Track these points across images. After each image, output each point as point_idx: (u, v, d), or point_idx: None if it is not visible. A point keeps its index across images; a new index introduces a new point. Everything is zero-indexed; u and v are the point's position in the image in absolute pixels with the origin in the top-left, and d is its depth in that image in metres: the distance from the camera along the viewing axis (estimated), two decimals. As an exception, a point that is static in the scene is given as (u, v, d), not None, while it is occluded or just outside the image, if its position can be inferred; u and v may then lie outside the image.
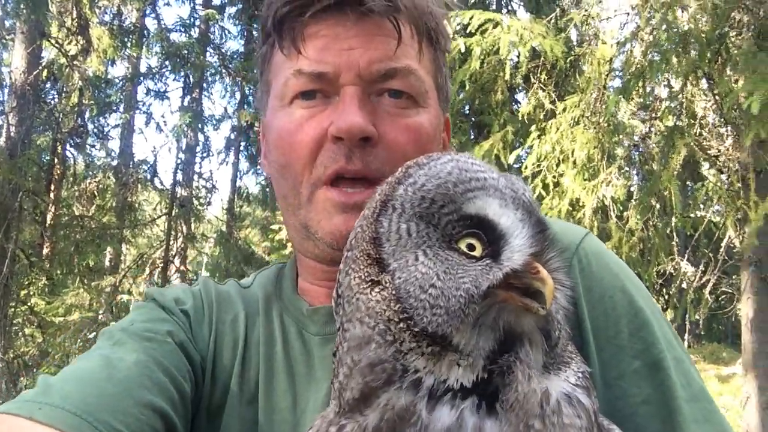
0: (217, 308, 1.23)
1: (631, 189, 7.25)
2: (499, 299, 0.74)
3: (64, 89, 12.53)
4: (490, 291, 0.74)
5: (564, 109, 6.58)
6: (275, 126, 1.17)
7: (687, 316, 5.73)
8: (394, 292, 0.75)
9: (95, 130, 13.32)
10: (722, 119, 5.71)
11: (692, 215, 5.82)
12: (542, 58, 6.89)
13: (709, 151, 5.82)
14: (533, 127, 6.89)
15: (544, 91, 7.18)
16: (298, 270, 1.28)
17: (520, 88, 8.59)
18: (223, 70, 15.03)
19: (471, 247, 0.77)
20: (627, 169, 7.62)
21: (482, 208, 0.78)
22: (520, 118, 7.21)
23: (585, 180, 6.40)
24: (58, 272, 12.04)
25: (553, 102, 7.03)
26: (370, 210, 0.84)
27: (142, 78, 14.21)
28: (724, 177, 5.54)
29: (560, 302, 0.81)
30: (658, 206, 5.61)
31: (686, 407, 0.99)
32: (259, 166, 16.39)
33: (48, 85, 12.45)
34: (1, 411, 0.86)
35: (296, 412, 1.11)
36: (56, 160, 13.13)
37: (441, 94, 1.22)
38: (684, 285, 5.95)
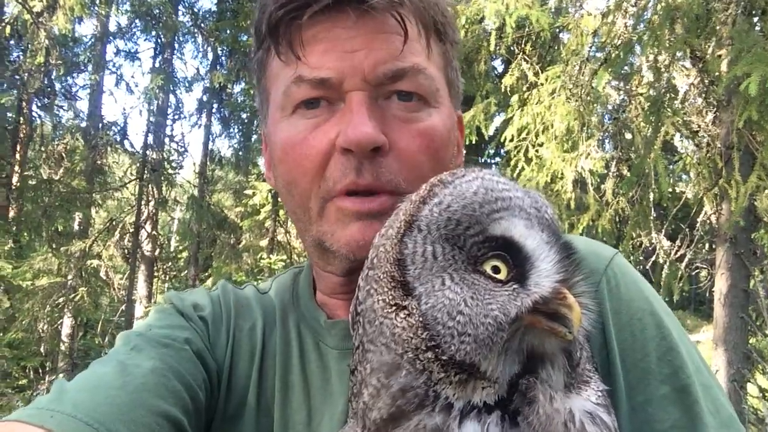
0: (236, 315, 1.20)
1: (608, 161, 7.27)
2: (525, 323, 0.74)
3: (30, 47, 12.08)
4: (517, 316, 0.73)
5: (546, 80, 6.54)
6: (278, 139, 1.09)
7: (662, 290, 5.83)
8: (421, 319, 0.73)
9: (62, 91, 12.92)
10: (705, 95, 5.72)
11: (670, 190, 5.87)
12: (526, 29, 6.81)
13: (689, 127, 5.84)
14: (514, 98, 6.84)
15: (527, 62, 7.12)
16: (314, 279, 1.24)
17: (503, 58, 8.52)
18: (196, 30, 14.69)
19: (496, 270, 0.76)
20: (603, 139, 7.66)
21: (508, 230, 0.76)
22: (503, 90, 7.16)
23: (564, 152, 6.40)
24: (26, 236, 11.81)
25: (536, 74, 6.98)
26: (394, 230, 0.81)
27: (111, 37, 13.81)
28: (702, 153, 5.56)
29: (583, 325, 0.79)
30: (635, 179, 5.64)
31: None
32: (231, 129, 16.26)
33: (12, 43, 12.00)
34: (14, 418, 0.85)
35: (311, 427, 1.09)
36: (22, 120, 12.73)
37: (452, 90, 1.15)
38: (660, 259, 6.03)
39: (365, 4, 0.99)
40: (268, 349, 1.17)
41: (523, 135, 6.72)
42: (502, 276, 0.75)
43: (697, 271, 6.94)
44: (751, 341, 5.95)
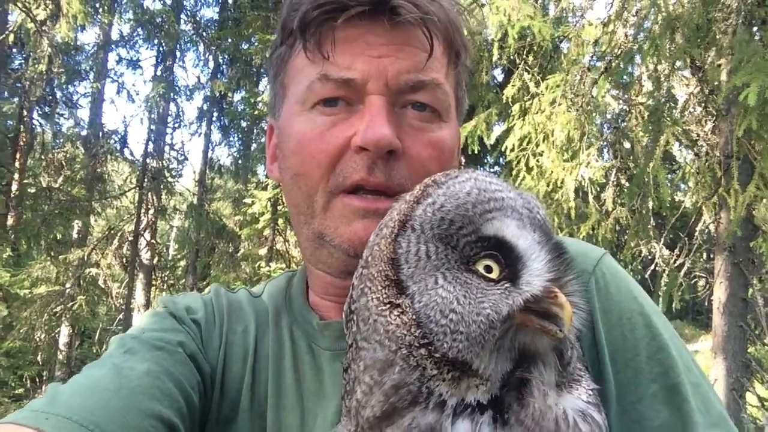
0: (228, 318, 1.21)
1: (608, 170, 7.29)
2: (516, 322, 0.74)
3: (32, 55, 12.13)
4: (509, 315, 0.73)
5: (546, 89, 6.56)
6: (294, 132, 1.11)
7: (661, 299, 5.82)
8: (414, 317, 0.74)
9: (64, 99, 12.95)
10: (704, 104, 5.74)
11: (669, 199, 5.88)
12: (528, 39, 6.84)
13: (688, 136, 5.85)
14: (515, 107, 6.86)
15: (529, 72, 7.15)
16: (308, 282, 1.25)
17: (504, 68, 8.55)
18: (197, 39, 14.76)
19: (488, 269, 0.77)
20: (602, 148, 7.67)
21: (500, 230, 0.77)
22: (504, 100, 7.18)
23: (565, 161, 6.41)
24: (24, 244, 11.81)
25: (537, 84, 7.00)
26: (388, 229, 0.82)
27: (113, 46, 13.86)
28: (701, 162, 5.57)
29: (574, 324, 0.80)
30: (637, 189, 5.64)
31: None
32: (231, 138, 16.31)
33: (15, 51, 12.05)
34: (9, 421, 0.85)
35: (304, 429, 1.09)
36: (22, 128, 12.75)
37: (459, 109, 1.20)
38: (658, 268, 6.03)
39: (399, 16, 1.03)
40: (261, 351, 1.17)
41: (524, 144, 6.74)
42: (494, 275, 0.76)
43: (695, 280, 6.94)
44: (749, 350, 5.94)
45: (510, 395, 0.73)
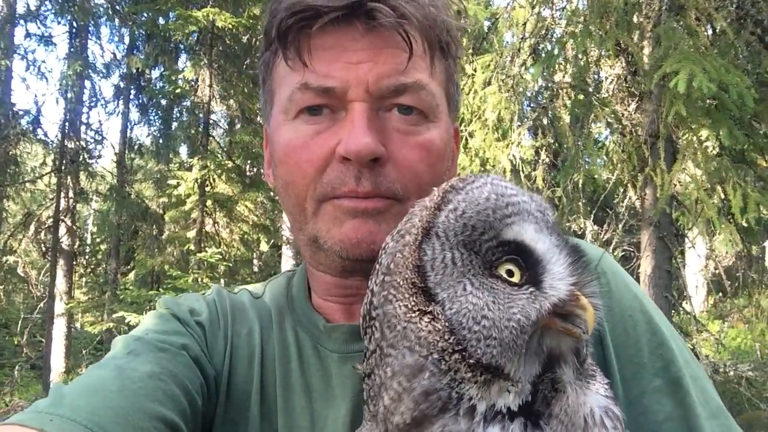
0: (232, 320, 1.20)
1: (537, 148, 7.48)
2: (541, 325, 0.76)
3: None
4: (537, 319, 0.75)
5: (478, 69, 6.65)
6: (280, 141, 1.11)
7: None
8: (447, 324, 0.74)
9: (-34, 76, 12.12)
10: (629, 85, 5.96)
11: (598, 176, 6.13)
12: (463, 21, 6.89)
13: (617, 115, 6.07)
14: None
15: (465, 55, 7.22)
16: (309, 283, 1.24)
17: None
18: (112, 13, 14.06)
19: (510, 273, 0.77)
20: (530, 128, 7.86)
21: (519, 234, 0.78)
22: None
23: (496, 140, 6.54)
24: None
25: (472, 63, 7.08)
26: (411, 236, 0.81)
27: (21, 20, 13.02)
28: (626, 141, 5.81)
29: (594, 325, 0.83)
30: (572, 170, 5.82)
31: (707, 424, 1.03)
32: (150, 116, 15.70)
33: None
34: (13, 422, 0.85)
35: (314, 431, 1.09)
36: None
37: (451, 104, 1.18)
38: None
39: (374, 20, 1.01)
40: (267, 353, 1.17)
41: (458, 124, 6.82)
42: (515, 279, 0.77)
43: (623, 254, 7.27)
44: (674, 318, 6.31)
45: (541, 400, 0.75)
